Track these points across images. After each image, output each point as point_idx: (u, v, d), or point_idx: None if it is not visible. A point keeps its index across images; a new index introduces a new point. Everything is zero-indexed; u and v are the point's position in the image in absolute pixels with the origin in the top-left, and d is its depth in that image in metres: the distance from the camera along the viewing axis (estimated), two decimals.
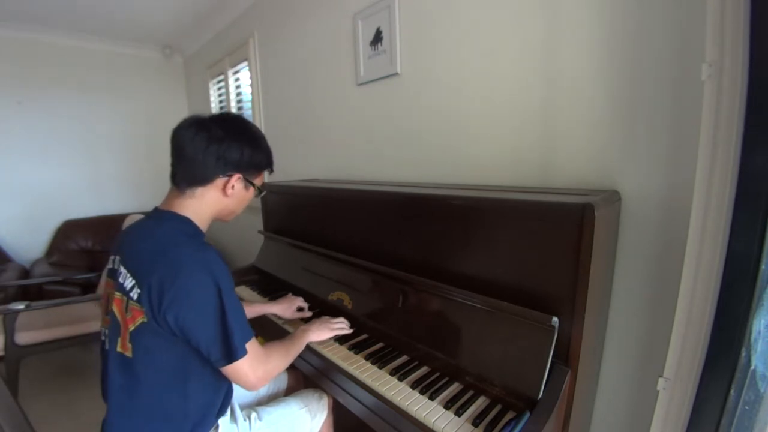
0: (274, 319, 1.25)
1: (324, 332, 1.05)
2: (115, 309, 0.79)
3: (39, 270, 2.59)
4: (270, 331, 1.22)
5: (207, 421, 0.85)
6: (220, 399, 0.87)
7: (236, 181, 0.85)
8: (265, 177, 0.97)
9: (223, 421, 0.89)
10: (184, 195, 0.83)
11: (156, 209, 0.85)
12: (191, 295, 0.72)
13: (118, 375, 0.78)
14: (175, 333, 0.73)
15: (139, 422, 0.78)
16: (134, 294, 0.74)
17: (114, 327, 0.79)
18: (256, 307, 1.25)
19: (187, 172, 0.82)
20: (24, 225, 2.99)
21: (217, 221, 0.92)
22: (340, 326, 1.10)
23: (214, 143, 0.81)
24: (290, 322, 1.23)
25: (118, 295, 0.79)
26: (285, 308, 1.25)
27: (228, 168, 0.83)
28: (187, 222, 0.82)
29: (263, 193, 0.96)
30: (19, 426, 0.78)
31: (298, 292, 1.37)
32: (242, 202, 0.92)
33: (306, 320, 1.22)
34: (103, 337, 0.84)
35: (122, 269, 0.79)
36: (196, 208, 0.84)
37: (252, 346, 0.79)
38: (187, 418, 0.81)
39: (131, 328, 0.76)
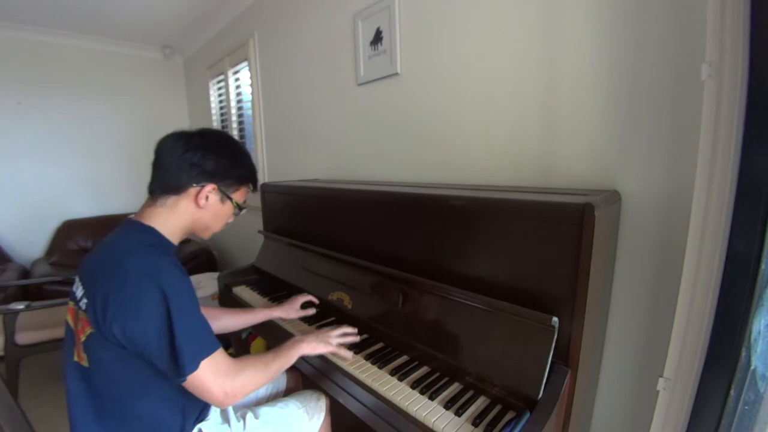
0: (279, 322, 1.22)
1: (320, 346, 0.96)
2: (69, 318, 0.79)
3: (39, 270, 2.60)
4: (273, 333, 1.21)
5: (184, 428, 0.83)
6: (198, 404, 0.84)
7: (210, 192, 0.83)
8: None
9: (210, 423, 0.88)
10: (155, 204, 0.81)
11: (127, 219, 0.83)
12: (137, 306, 0.68)
13: (78, 385, 0.77)
14: (124, 345, 0.70)
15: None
16: (83, 304, 0.74)
17: (69, 336, 0.78)
18: (259, 313, 1.21)
19: (161, 179, 0.81)
20: (24, 225, 2.99)
21: (193, 235, 0.89)
22: (342, 340, 1.01)
23: (190, 151, 0.80)
24: (296, 325, 1.20)
25: (71, 304, 0.79)
26: (287, 309, 1.22)
27: (202, 177, 0.81)
28: (150, 231, 0.79)
29: (243, 211, 0.92)
30: (19, 426, 0.78)
31: (298, 291, 1.37)
32: (219, 218, 0.88)
33: (309, 321, 1.21)
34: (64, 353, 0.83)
35: (76, 278, 0.78)
36: (165, 218, 0.81)
37: (216, 359, 0.73)
38: (157, 427, 0.79)
39: (82, 338, 0.74)
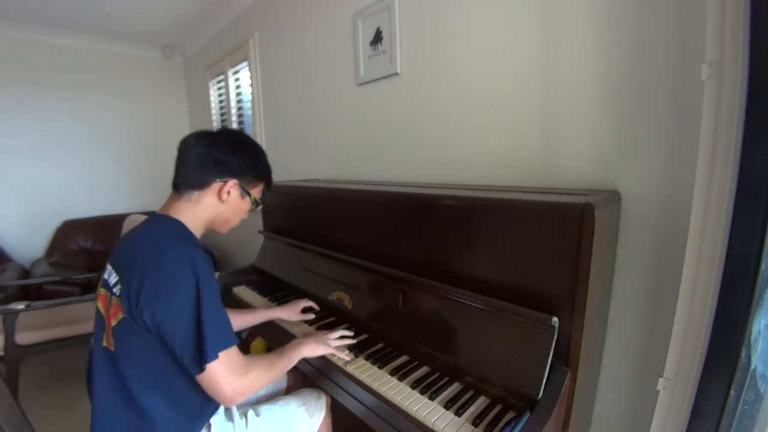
0: (280, 323, 1.23)
1: (319, 348, 0.98)
2: (100, 305, 0.83)
3: (39, 270, 2.59)
4: (274, 334, 1.21)
5: (197, 422, 0.84)
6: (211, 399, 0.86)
7: (232, 187, 0.88)
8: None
9: (216, 420, 0.89)
10: (181, 199, 0.86)
11: (154, 213, 0.88)
12: (169, 292, 0.72)
13: (103, 370, 0.80)
14: (151, 331, 0.73)
15: (126, 421, 0.78)
16: (117, 290, 0.77)
17: (99, 323, 0.83)
18: (260, 313, 1.24)
19: (187, 176, 0.86)
20: (24, 225, 2.99)
21: (212, 231, 0.94)
22: (339, 342, 1.03)
23: (215, 149, 0.86)
24: (297, 325, 1.21)
25: (103, 291, 0.83)
26: (289, 311, 1.24)
27: (225, 173, 0.87)
28: (179, 225, 0.85)
29: (260, 206, 0.98)
30: (19, 426, 0.78)
31: (298, 292, 1.37)
32: (237, 212, 0.94)
33: (310, 322, 1.22)
34: (92, 339, 0.86)
35: (109, 267, 0.83)
36: (191, 212, 0.86)
37: (230, 355, 0.75)
38: (174, 418, 0.80)
39: (113, 323, 0.78)
